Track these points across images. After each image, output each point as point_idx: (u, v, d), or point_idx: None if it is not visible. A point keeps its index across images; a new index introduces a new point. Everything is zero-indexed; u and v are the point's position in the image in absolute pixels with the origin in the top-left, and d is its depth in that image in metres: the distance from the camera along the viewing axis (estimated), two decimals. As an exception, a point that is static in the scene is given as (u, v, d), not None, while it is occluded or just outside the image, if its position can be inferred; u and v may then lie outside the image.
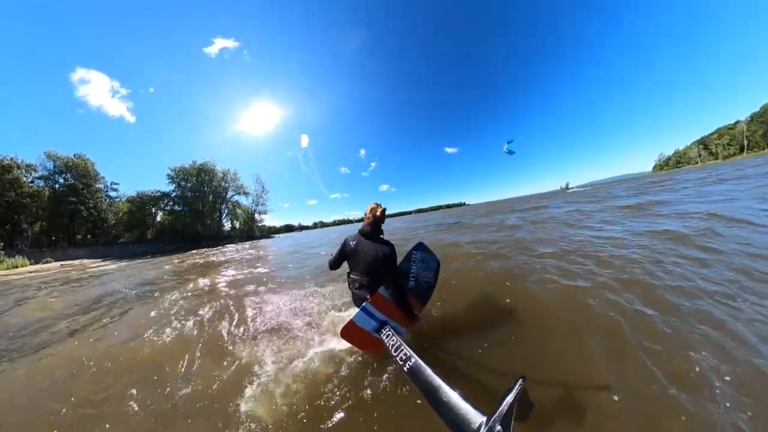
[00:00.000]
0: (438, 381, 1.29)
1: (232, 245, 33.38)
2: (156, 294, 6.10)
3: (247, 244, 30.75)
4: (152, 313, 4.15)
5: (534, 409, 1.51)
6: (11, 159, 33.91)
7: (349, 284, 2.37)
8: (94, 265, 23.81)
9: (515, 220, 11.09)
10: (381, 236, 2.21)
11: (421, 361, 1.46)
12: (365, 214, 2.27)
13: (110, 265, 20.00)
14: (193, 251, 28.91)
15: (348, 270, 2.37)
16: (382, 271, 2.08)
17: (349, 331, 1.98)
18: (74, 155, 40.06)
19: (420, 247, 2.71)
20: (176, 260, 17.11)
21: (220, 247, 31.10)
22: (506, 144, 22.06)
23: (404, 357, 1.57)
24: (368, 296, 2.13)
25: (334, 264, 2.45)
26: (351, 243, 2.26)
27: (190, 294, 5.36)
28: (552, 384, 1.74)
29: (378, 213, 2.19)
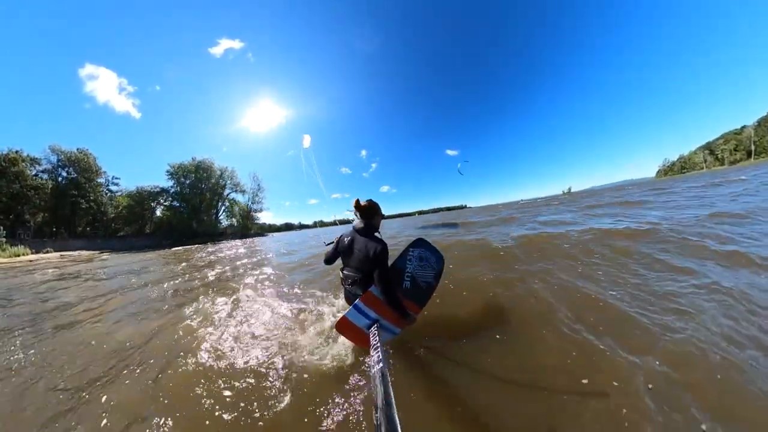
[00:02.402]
0: (390, 396, 1.41)
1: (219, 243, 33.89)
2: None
3: (239, 242, 31.14)
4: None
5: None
6: (16, 152, 35.31)
7: (341, 280, 2.36)
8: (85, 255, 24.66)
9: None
10: (375, 234, 2.21)
11: (387, 373, 1.56)
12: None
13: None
14: (178, 248, 29.43)
15: (341, 266, 2.36)
16: (372, 269, 2.06)
17: (342, 326, 2.11)
18: (77, 149, 41.44)
19: (419, 243, 2.45)
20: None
21: (204, 245, 31.62)
22: (460, 163, 22.78)
23: (376, 359, 1.66)
24: (360, 293, 2.15)
25: (329, 260, 2.50)
26: (345, 239, 2.27)
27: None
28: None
29: (363, 203, 2.20)
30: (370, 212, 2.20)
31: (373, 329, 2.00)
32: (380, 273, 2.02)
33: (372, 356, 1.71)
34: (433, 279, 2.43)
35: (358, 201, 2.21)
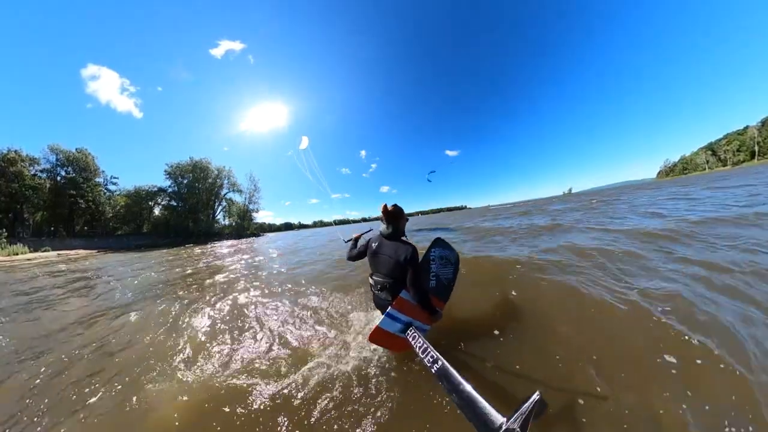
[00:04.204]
0: (463, 383, 1.41)
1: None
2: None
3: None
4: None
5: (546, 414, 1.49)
6: (15, 152, 35.73)
7: (370, 286, 2.36)
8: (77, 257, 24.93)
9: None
10: (403, 237, 2.21)
11: (447, 364, 1.56)
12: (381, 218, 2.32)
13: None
14: (163, 250, 29.31)
15: (370, 272, 2.37)
16: (404, 273, 2.06)
17: (376, 336, 2.10)
18: (76, 149, 41.86)
19: (438, 243, 2.64)
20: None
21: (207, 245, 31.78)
22: (428, 174, 23.28)
23: (431, 359, 1.66)
24: (390, 298, 2.15)
25: (352, 258, 2.55)
26: (373, 245, 2.27)
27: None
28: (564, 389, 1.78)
29: (389, 208, 2.20)
30: (396, 216, 2.19)
31: (411, 332, 2.05)
32: (414, 275, 2.03)
33: (423, 358, 1.72)
34: (452, 275, 2.61)
35: (385, 206, 2.21)
